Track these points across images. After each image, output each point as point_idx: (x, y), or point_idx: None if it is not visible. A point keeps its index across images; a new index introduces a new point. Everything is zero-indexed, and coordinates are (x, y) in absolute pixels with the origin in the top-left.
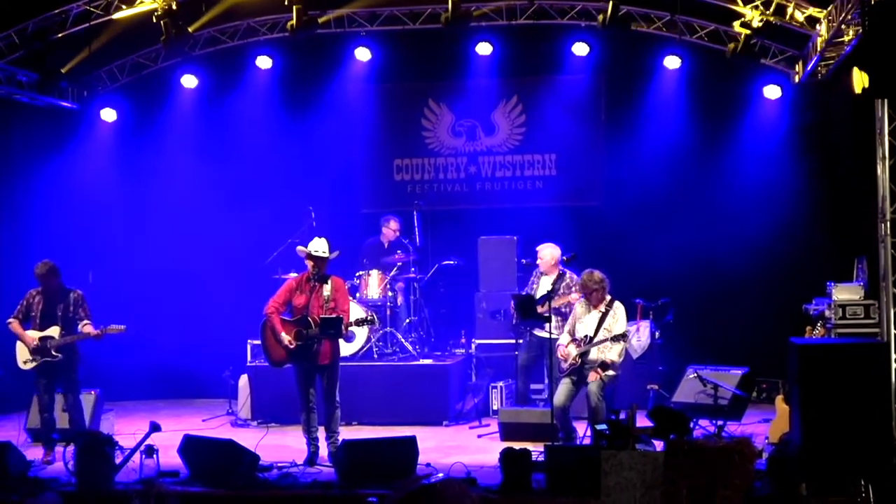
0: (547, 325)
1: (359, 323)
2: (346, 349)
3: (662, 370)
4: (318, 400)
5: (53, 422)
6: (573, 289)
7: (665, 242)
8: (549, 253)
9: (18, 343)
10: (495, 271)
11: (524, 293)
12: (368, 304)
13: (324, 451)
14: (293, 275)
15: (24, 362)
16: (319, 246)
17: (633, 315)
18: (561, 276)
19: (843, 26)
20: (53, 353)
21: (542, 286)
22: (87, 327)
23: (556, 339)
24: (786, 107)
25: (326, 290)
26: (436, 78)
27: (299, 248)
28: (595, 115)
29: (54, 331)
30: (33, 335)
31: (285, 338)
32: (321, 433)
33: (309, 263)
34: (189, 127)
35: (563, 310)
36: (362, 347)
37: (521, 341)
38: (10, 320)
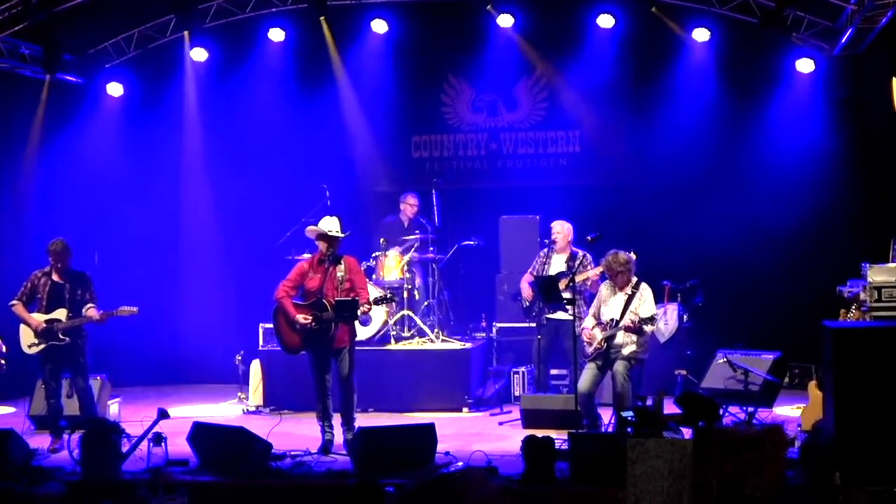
0: (567, 307)
1: (377, 301)
2: (361, 333)
3: (691, 355)
4: (333, 386)
5: (60, 408)
6: (588, 267)
7: (693, 222)
8: (566, 228)
9: (22, 326)
10: (517, 252)
11: (534, 274)
12: (385, 286)
13: (339, 438)
14: (307, 256)
15: (29, 346)
16: (332, 225)
17: (661, 298)
18: (573, 256)
19: None
20: (60, 336)
21: (555, 265)
22: (90, 310)
23: (573, 322)
24: (819, 81)
25: (340, 270)
26: (455, 51)
27: (309, 227)
28: (621, 89)
29: (61, 313)
30: (39, 318)
31: (301, 317)
32: (336, 420)
33: (320, 244)
34: (198, 102)
35: (581, 287)
36: (379, 331)
37: (534, 325)
38: (14, 302)
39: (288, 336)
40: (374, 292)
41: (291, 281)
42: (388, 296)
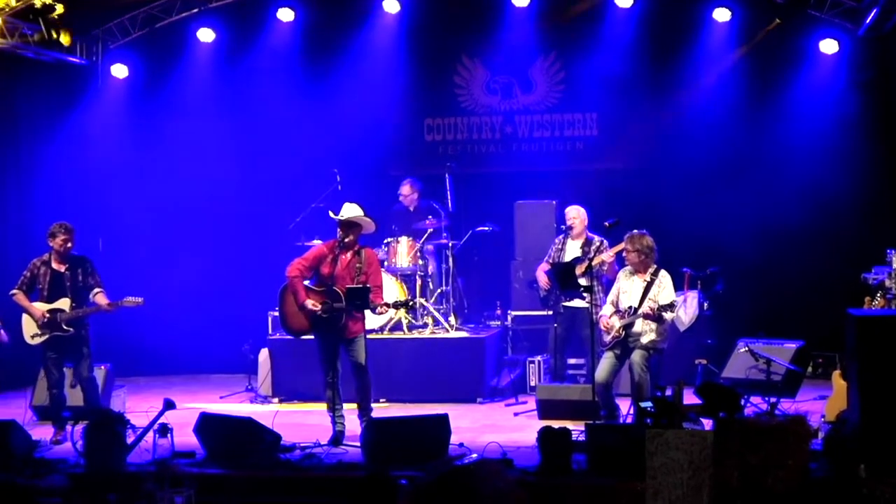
0: (583, 294)
1: (396, 306)
2: (373, 321)
3: (711, 344)
4: (348, 375)
5: (63, 399)
6: (604, 251)
7: (714, 207)
8: (581, 213)
9: (24, 316)
10: (533, 238)
11: (550, 261)
12: (397, 273)
13: (349, 430)
14: (317, 242)
15: (32, 337)
16: (351, 211)
17: (681, 285)
18: (589, 241)
19: None
20: (64, 326)
21: (570, 252)
22: (99, 296)
23: (590, 310)
24: (843, 62)
25: (359, 262)
26: (469, 32)
27: (331, 213)
28: (639, 71)
29: (64, 303)
30: (41, 307)
31: (310, 303)
32: (348, 410)
33: (339, 231)
34: (205, 84)
35: (598, 272)
36: (390, 319)
37: (550, 313)
38: (14, 292)
39: (294, 318)
40: (390, 289)
41: (307, 260)
42: (408, 301)
